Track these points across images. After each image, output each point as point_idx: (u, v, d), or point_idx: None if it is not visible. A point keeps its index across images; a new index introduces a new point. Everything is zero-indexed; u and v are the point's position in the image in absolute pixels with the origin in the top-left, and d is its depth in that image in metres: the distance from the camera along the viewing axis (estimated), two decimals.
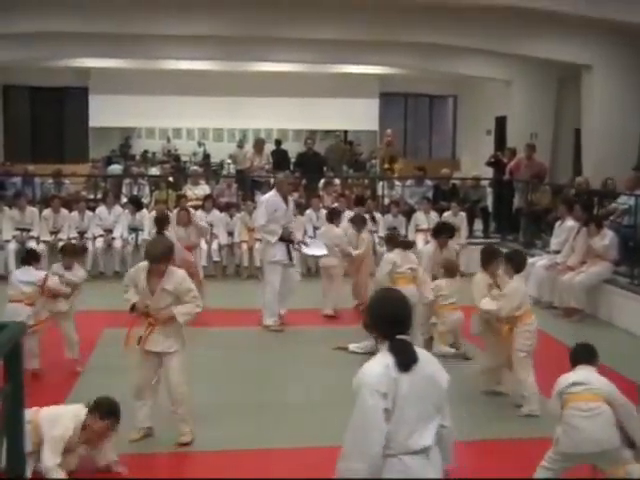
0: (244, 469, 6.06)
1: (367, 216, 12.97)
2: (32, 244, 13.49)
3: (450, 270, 9.61)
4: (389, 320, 3.88)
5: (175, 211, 12.46)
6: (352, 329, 9.67)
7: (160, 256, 6.36)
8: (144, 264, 6.51)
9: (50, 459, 5.49)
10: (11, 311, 8.01)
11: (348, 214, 14.31)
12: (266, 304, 10.39)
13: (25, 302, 8.14)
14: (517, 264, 7.77)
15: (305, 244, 11.26)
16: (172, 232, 10.86)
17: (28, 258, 8.66)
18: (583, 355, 5.66)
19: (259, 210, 10.77)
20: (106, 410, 5.83)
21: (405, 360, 3.73)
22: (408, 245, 10.29)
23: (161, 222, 10.72)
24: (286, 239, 10.31)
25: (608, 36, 14.85)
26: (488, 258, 8.10)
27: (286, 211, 10.35)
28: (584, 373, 5.48)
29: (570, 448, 5.26)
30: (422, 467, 3.70)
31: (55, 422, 5.67)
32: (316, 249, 11.40)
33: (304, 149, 19.96)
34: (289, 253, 10.36)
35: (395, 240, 10.05)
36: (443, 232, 10.52)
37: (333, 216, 12.11)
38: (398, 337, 3.79)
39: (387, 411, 3.64)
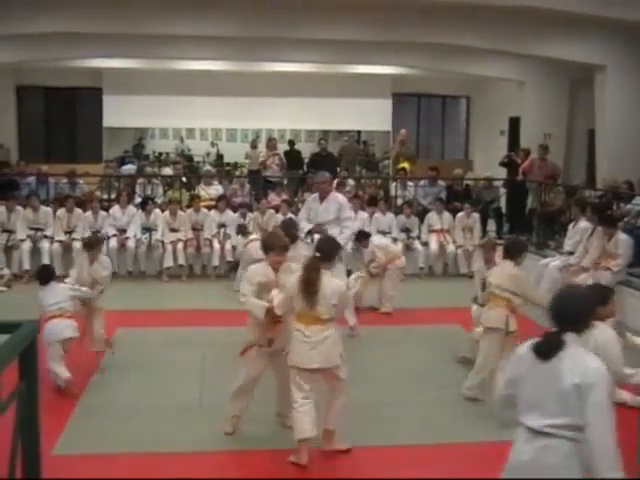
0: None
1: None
2: (45, 243, 13.60)
3: None
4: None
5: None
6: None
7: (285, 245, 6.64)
8: (259, 266, 6.59)
9: None
10: (52, 328, 7.65)
11: (361, 215, 14.38)
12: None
13: (65, 316, 7.87)
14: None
15: None
16: None
17: (47, 277, 8.22)
18: None
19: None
20: None
21: None
22: None
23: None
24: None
25: (621, 36, 14.80)
26: (520, 249, 7.97)
27: (319, 212, 9.88)
28: None
29: None
30: None
31: None
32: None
33: (317, 149, 19.99)
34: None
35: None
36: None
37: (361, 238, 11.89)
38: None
39: None
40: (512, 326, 7.43)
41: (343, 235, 9.42)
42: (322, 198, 9.83)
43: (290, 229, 8.76)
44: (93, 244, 8.92)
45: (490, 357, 7.38)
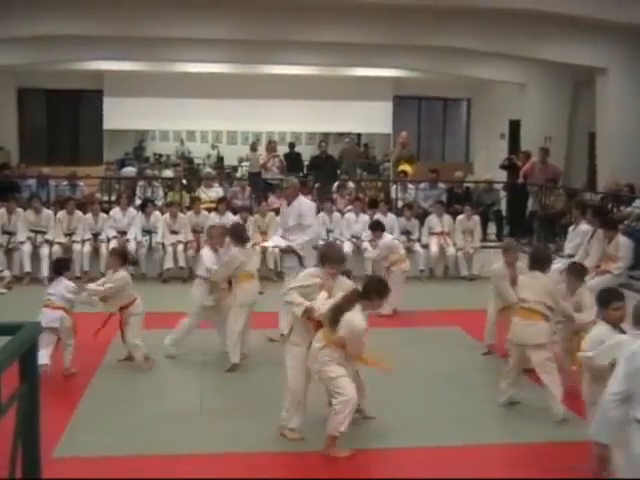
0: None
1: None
2: (45, 246, 13.61)
3: None
4: None
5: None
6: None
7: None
8: (317, 270, 6.72)
9: None
10: (41, 315, 8.10)
11: (362, 217, 14.43)
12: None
13: (52, 307, 8.28)
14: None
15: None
16: None
17: (59, 267, 8.78)
18: None
19: None
20: None
21: None
22: None
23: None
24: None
25: (623, 39, 14.82)
26: (549, 259, 7.97)
27: (285, 217, 10.02)
28: None
29: None
30: None
31: None
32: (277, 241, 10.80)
33: (318, 152, 20.03)
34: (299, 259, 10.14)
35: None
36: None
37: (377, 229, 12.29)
38: None
39: None
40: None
41: (298, 241, 9.55)
42: (289, 204, 9.92)
43: (238, 233, 9.05)
44: (119, 255, 9.06)
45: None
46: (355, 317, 6.22)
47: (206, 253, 9.25)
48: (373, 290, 6.39)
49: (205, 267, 9.10)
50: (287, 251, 9.81)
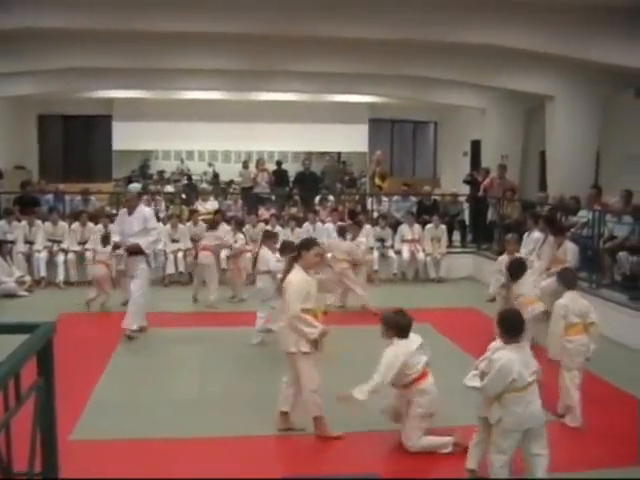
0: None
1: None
2: (60, 254, 13.60)
3: None
4: None
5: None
6: None
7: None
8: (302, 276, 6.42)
9: None
10: None
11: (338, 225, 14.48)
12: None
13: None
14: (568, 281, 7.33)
15: None
16: None
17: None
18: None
19: None
20: None
21: None
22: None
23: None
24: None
25: (568, 71, 14.92)
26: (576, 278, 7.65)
27: (128, 224, 9.90)
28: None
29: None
30: None
31: None
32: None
33: (302, 169, 20.07)
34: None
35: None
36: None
37: (343, 232, 12.25)
38: None
39: None
40: None
41: (144, 240, 9.68)
42: (130, 212, 9.90)
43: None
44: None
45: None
46: (292, 275, 6.36)
47: (267, 253, 9.47)
48: (298, 248, 6.57)
49: (271, 262, 9.29)
50: (135, 252, 9.74)
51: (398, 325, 6.33)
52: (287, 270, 6.50)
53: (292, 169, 22.01)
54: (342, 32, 12.32)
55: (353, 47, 14.70)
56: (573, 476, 5.30)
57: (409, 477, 5.72)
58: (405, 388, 6.19)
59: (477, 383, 5.46)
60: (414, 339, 6.32)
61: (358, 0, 11.78)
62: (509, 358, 5.28)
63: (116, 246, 10.32)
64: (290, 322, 6.28)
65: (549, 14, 11.50)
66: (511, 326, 5.44)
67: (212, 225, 12.86)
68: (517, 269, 8.88)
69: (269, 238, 9.92)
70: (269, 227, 14.31)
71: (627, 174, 14.22)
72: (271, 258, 9.39)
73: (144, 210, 10.12)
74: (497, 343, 5.51)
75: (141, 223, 9.78)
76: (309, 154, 24.38)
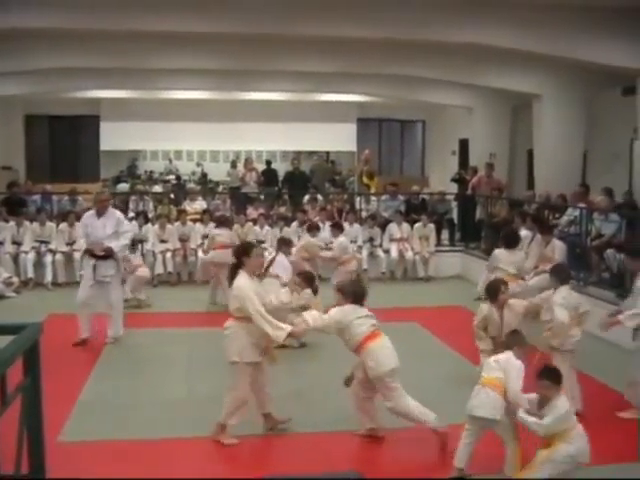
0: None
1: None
2: (48, 255, 13.54)
3: None
4: None
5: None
6: None
7: None
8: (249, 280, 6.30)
9: None
10: None
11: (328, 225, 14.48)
12: None
13: None
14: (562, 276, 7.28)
15: None
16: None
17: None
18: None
19: None
20: None
21: None
22: None
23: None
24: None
25: (555, 70, 14.99)
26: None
27: (98, 227, 9.28)
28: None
29: None
30: None
31: None
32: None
33: (291, 168, 20.08)
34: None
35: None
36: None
37: (312, 229, 12.25)
38: None
39: None
40: None
41: (117, 243, 9.22)
42: (100, 214, 9.30)
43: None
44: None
45: None
46: (241, 281, 6.22)
47: (284, 260, 9.54)
48: (239, 255, 6.39)
49: (287, 271, 9.31)
50: (106, 256, 9.24)
51: (355, 293, 6.35)
52: (231, 277, 6.35)
53: (281, 168, 22.08)
54: (329, 31, 12.32)
55: (341, 46, 14.70)
56: (573, 476, 5.31)
57: (392, 477, 5.73)
58: (357, 351, 6.22)
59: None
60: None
61: (345, 0, 11.78)
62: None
63: (90, 252, 9.31)
64: (231, 330, 6.23)
65: (535, 13, 11.53)
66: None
67: (223, 223, 12.68)
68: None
69: (285, 245, 9.92)
70: (257, 227, 14.34)
71: (614, 172, 14.30)
72: (288, 267, 9.43)
73: (115, 212, 9.63)
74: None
75: (114, 226, 9.28)
76: (298, 153, 24.41)
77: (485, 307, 7.38)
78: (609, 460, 5.81)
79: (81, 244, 9.75)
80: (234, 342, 6.21)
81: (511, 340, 5.88)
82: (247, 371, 6.21)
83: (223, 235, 12.12)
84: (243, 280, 6.21)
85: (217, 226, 12.68)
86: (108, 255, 9.22)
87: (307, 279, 6.84)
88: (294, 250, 11.07)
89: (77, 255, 13.29)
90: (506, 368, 5.56)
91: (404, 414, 6.19)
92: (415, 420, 6.20)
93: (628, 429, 6.43)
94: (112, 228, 9.24)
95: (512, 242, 9.85)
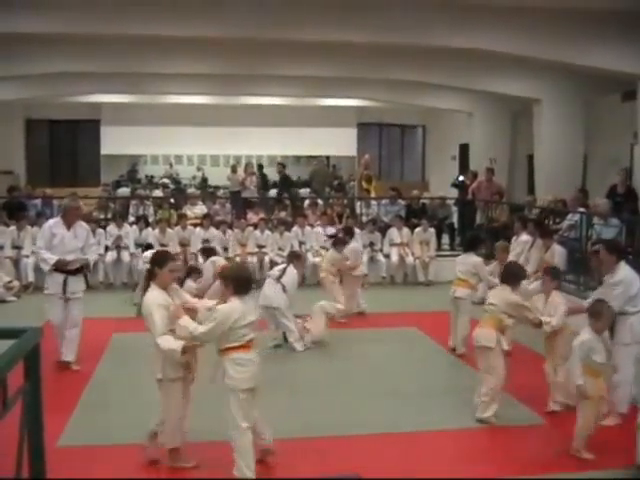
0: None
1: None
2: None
3: None
4: None
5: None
6: None
7: None
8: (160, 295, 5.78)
9: None
10: None
11: (330, 230, 14.49)
12: None
13: None
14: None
15: None
16: None
17: None
18: None
19: None
20: None
21: None
22: None
23: None
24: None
25: (555, 75, 15.02)
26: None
27: (67, 238, 8.42)
28: None
29: None
30: None
31: None
32: None
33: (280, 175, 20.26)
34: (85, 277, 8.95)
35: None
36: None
37: (338, 244, 11.60)
38: None
39: None
40: None
41: (89, 257, 8.60)
42: (69, 225, 8.45)
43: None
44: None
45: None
46: (149, 295, 5.70)
47: (293, 272, 9.54)
48: (151, 264, 5.82)
49: (295, 283, 9.52)
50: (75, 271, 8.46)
51: (238, 279, 5.54)
52: (144, 289, 5.82)
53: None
54: (329, 36, 12.34)
55: (341, 51, 14.73)
56: (573, 476, 5.31)
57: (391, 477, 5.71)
58: (221, 352, 5.63)
59: None
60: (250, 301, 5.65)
61: (345, 4, 11.79)
62: None
63: (62, 265, 8.35)
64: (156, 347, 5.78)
65: (536, 19, 11.56)
66: None
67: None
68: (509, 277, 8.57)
69: (296, 259, 9.87)
70: (258, 231, 14.34)
71: (613, 177, 14.29)
72: (296, 279, 9.53)
73: (83, 224, 8.76)
74: None
75: (85, 238, 8.55)
76: (298, 158, 24.50)
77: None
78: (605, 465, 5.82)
79: (41, 253, 8.43)
80: (157, 358, 5.91)
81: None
82: (174, 388, 5.89)
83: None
84: (151, 295, 5.68)
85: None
86: (79, 270, 8.52)
87: None
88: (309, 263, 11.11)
89: (28, 261, 13.23)
90: None
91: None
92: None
93: (625, 434, 6.39)
94: (82, 241, 8.52)
95: (471, 245, 9.86)
